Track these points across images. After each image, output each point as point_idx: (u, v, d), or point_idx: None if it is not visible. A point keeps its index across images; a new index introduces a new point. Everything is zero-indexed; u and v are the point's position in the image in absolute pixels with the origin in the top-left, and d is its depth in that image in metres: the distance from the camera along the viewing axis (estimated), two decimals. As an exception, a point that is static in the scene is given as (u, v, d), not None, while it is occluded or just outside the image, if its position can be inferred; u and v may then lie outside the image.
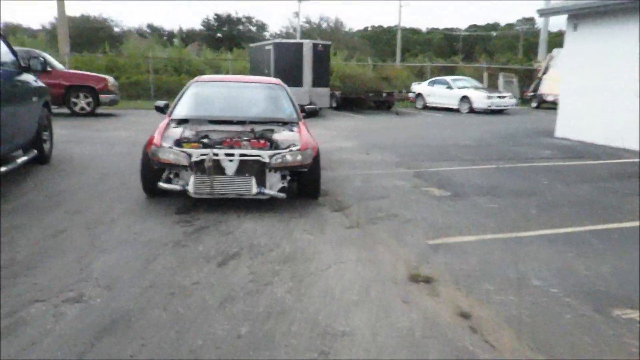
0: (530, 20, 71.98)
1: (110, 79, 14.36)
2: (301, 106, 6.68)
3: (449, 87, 20.32)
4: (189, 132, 5.40)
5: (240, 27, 68.04)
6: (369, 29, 77.78)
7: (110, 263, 3.66)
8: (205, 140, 5.20)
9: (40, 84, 7.18)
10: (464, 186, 6.43)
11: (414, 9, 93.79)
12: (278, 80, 7.17)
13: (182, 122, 5.69)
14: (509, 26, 69.33)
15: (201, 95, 6.40)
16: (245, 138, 5.30)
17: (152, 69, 21.55)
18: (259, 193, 4.90)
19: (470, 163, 8.16)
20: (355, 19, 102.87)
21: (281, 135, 5.45)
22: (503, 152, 9.36)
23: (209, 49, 30.00)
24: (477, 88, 20.21)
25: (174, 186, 4.98)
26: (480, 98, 19.18)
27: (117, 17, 73.30)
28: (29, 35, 32.51)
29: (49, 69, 13.07)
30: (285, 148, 5.10)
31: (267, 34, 60.04)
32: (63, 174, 6.54)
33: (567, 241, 4.44)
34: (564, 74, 11.92)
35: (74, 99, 13.67)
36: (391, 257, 3.96)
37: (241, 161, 4.88)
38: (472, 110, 19.30)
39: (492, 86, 24.52)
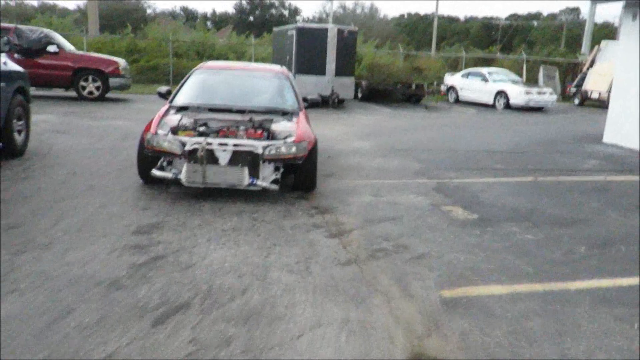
0: (575, 11, 68.71)
1: (122, 62, 13.60)
2: (308, 98, 6.65)
3: (484, 80, 18.92)
4: (186, 120, 5.38)
5: (273, 11, 67.13)
6: (405, 16, 75.75)
7: (5, 313, 2.76)
8: (201, 129, 5.17)
9: (13, 67, 6.33)
10: (494, 207, 5.34)
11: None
12: (283, 69, 7.06)
13: (181, 109, 5.69)
14: (552, 16, 66.40)
15: (203, 83, 6.35)
16: (243, 127, 5.27)
17: (172, 52, 20.75)
18: (251, 184, 4.85)
19: (503, 174, 7.02)
20: (392, 6, 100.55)
21: (279, 125, 5.39)
22: (542, 161, 8.15)
23: (235, 33, 29.04)
24: (515, 82, 18.75)
25: (167, 174, 4.93)
26: (518, 93, 17.74)
27: (150, -1, 73.09)
28: (58, 15, 32.26)
29: (53, 49, 12.50)
30: (282, 139, 5.07)
31: (299, 19, 58.94)
32: (28, 171, 5.71)
33: (629, 300, 3.34)
34: (617, 70, 10.52)
35: (82, 83, 12.97)
36: (390, 319, 2.95)
37: (234, 151, 4.84)
38: (508, 107, 17.90)
39: (532, 80, 22.92)
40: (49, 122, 9.17)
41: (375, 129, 11.17)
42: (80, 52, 13.44)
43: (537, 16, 68.18)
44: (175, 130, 5.10)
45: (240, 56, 22.57)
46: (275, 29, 18.02)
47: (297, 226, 4.43)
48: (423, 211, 5.07)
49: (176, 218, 4.45)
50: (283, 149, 4.95)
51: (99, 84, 13.04)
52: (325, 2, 57.91)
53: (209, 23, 62.29)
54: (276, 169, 5.10)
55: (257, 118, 5.55)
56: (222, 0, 75.56)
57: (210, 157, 4.80)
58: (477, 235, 4.43)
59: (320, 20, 54.56)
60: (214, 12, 69.76)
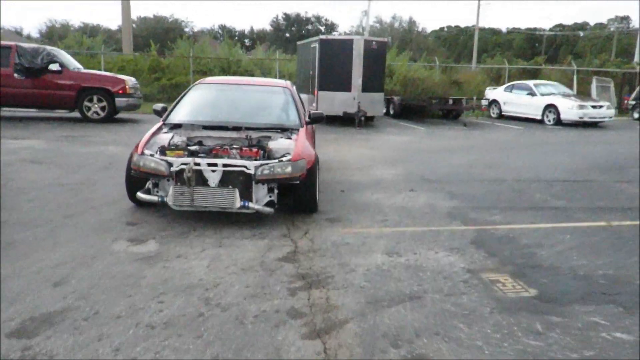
0: (625, 19, 65.17)
1: (130, 80, 12.61)
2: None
3: (531, 94, 17.09)
4: (178, 138, 5.20)
5: (309, 27, 66.56)
6: (445, 29, 73.81)
7: None
8: (192, 148, 4.91)
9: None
10: (559, 275, 3.76)
11: (495, 9, 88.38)
12: (286, 83, 6.84)
13: (175, 127, 5.48)
14: (600, 26, 63.26)
15: (200, 99, 6.16)
16: (236, 146, 5.04)
17: (195, 69, 19.87)
18: (243, 207, 4.52)
19: (565, 216, 5.40)
20: (431, 20, 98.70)
21: (277, 143, 5.14)
22: (612, 195, 6.46)
23: (270, 49, 28.11)
24: (565, 95, 16.84)
25: (152, 197, 4.68)
26: (569, 107, 15.85)
27: (188, 17, 74.06)
28: (90, 34, 32.23)
29: (56, 68, 11.60)
30: (279, 157, 4.81)
31: (335, 34, 57.98)
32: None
33: None
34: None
35: (87, 103, 12.02)
36: None
37: (225, 172, 4.55)
38: (558, 122, 16.00)
39: (583, 93, 20.86)
40: (31, 149, 8.10)
41: (404, 151, 9.65)
42: (86, 71, 12.55)
43: (583, 26, 65.02)
44: (163, 150, 4.79)
45: (266, 72, 21.51)
46: (299, 42, 16.82)
47: (264, 315, 3.00)
48: (455, 283, 3.55)
49: (89, 303, 3.11)
50: (277, 169, 4.61)
51: (104, 104, 12.06)
52: (362, 16, 56.83)
53: (246, 40, 62.33)
54: (270, 190, 4.72)
55: (254, 135, 5.29)
56: (262, 4, 75.58)
57: (199, 178, 4.49)
58: (539, 335, 2.88)
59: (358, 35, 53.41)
60: (251, 29, 69.78)
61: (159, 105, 5.99)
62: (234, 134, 5.34)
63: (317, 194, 5.17)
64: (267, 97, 6.32)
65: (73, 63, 12.67)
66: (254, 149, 4.94)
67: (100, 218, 4.73)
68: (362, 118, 13.35)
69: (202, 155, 4.74)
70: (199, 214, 4.99)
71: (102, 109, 12.08)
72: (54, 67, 11.67)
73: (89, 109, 12.04)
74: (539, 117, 16.63)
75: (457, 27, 71.30)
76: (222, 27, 67.71)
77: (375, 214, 5.26)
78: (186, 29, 58.45)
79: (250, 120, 5.55)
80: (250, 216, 4.95)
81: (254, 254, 3.99)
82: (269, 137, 5.32)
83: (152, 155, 4.70)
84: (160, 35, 45.74)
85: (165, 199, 4.58)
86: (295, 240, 4.34)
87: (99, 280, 3.40)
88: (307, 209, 5.14)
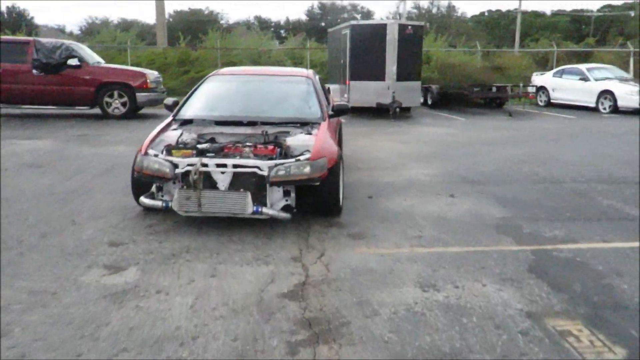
0: (682, -3, 61.24)
1: (151, 74, 12.03)
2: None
3: (584, 79, 15.63)
4: (188, 136, 4.76)
5: (345, 15, 65.28)
6: (486, 13, 71.11)
7: None
8: (202, 146, 4.45)
9: None
10: (653, 322, 2.81)
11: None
12: (308, 72, 6.25)
13: (186, 123, 5.04)
14: (653, 4, 59.58)
15: (214, 92, 5.70)
16: (250, 143, 4.53)
17: (225, 61, 19.27)
18: (256, 212, 4.04)
19: (643, 229, 4.38)
20: (471, 5, 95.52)
21: (295, 139, 4.64)
22: (698, 198, 5.36)
23: (291, 38, 27.27)
24: (623, 80, 15.32)
25: (156, 202, 4.26)
26: (628, 93, 14.36)
27: (223, 10, 73.94)
28: (122, 28, 32.20)
29: (74, 63, 11.11)
30: (298, 155, 4.31)
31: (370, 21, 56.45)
32: None
33: None
34: None
35: (107, 99, 11.51)
36: None
37: (236, 173, 4.11)
38: (615, 110, 14.55)
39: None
40: (36, 151, 7.57)
41: (442, 146, 8.66)
42: (106, 65, 12.03)
43: (634, 6, 61.17)
44: (169, 150, 4.34)
45: (298, 62, 20.65)
46: (330, 30, 15.91)
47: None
48: (512, 335, 2.66)
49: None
50: (294, 169, 4.10)
51: (125, 99, 11.52)
52: (399, 2, 55.16)
53: (282, 31, 61.70)
54: (286, 193, 4.25)
55: (271, 131, 4.78)
56: (296, 0, 74.54)
57: (207, 181, 4.07)
58: None
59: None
60: (287, 19, 69.05)
61: (170, 100, 5.62)
62: (249, 130, 4.86)
63: (340, 195, 4.64)
64: (287, 88, 5.81)
65: (93, 57, 12.19)
66: (270, 147, 4.42)
67: (80, 237, 4.04)
68: (397, 109, 12.37)
69: (210, 154, 4.28)
70: (198, 226, 4.25)
71: (123, 104, 11.55)
72: (72, 62, 11.20)
73: (109, 105, 11.53)
74: (592, 105, 15.19)
75: (498, 11, 68.55)
76: (258, 19, 67.28)
77: (407, 228, 4.38)
78: (221, 21, 58.31)
79: (266, 114, 5.12)
80: (256, 232, 4.17)
81: (252, 286, 3.20)
82: (287, 133, 4.81)
83: (156, 155, 4.27)
84: (196, 28, 45.53)
85: (170, 204, 4.13)
86: (306, 266, 3.53)
87: (50, 328, 2.68)
88: (330, 213, 4.62)
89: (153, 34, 33.19)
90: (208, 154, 4.28)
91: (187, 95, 5.65)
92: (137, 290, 3.13)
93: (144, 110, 12.78)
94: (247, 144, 4.52)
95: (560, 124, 12.47)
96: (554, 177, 6.31)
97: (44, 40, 11.51)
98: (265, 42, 22.36)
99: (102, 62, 12.27)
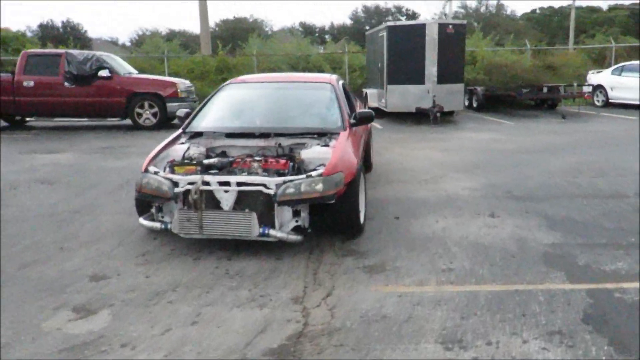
0: None
1: (182, 84, 11.79)
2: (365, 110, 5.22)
3: (646, 76, 14.32)
4: (195, 150, 4.45)
5: (389, 18, 64.36)
6: (537, 11, 68.47)
7: None
8: (208, 161, 4.15)
9: None
10: None
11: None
12: (330, 78, 5.70)
13: (196, 135, 4.72)
14: None
15: (228, 101, 5.34)
16: (259, 158, 4.14)
17: (259, 68, 18.99)
18: (263, 235, 3.63)
19: None
20: (521, 3, 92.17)
21: (311, 151, 4.23)
22: None
23: (330, 42, 26.70)
24: (691, 76, 13.92)
25: (154, 224, 3.93)
26: (698, 90, 13.00)
27: (267, 16, 74.44)
28: (167, 38, 32.62)
29: (105, 74, 10.99)
30: (311, 170, 3.92)
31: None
32: None
33: None
34: None
35: (137, 110, 11.33)
36: None
37: (241, 192, 3.70)
38: (683, 109, 13.20)
39: None
40: (54, 165, 7.35)
41: (486, 154, 7.87)
42: (137, 76, 11.87)
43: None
44: (172, 166, 4.05)
45: (337, 67, 20.12)
46: (367, 32, 15.28)
47: None
48: (561, 423, 1.98)
49: None
50: (305, 187, 3.68)
51: (155, 109, 11.30)
52: (445, 2, 53.78)
53: (327, 36, 61.40)
54: (296, 213, 3.79)
55: (286, 143, 4.42)
56: (340, 0, 74.10)
57: (211, 200, 3.73)
58: None
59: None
60: (332, 25, 68.76)
61: (182, 111, 5.30)
62: (262, 142, 4.51)
63: (361, 214, 4.18)
64: (306, 95, 5.40)
65: (125, 68, 12.06)
66: (282, 161, 4.07)
67: (62, 268, 3.61)
68: (438, 114, 11.58)
69: (214, 171, 3.95)
70: (196, 254, 3.78)
71: (154, 115, 11.34)
72: (103, 73, 11.09)
73: (140, 115, 11.35)
74: (656, 104, 13.87)
75: (550, 7, 65.80)
76: (302, 24, 67.30)
77: (436, 257, 3.73)
78: (265, 28, 58.64)
79: (281, 125, 4.72)
80: (260, 261, 3.64)
81: (237, 338, 2.66)
82: (303, 145, 4.42)
83: (156, 172, 3.96)
84: (241, 35, 45.89)
85: (169, 226, 3.84)
86: (307, 310, 2.95)
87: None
88: (349, 233, 4.17)
89: (199, 44, 33.57)
90: (211, 171, 3.96)
91: (200, 105, 5.31)
92: (100, 342, 2.63)
93: (176, 121, 12.54)
94: (256, 158, 4.17)
95: (620, 126, 11.33)
96: (615, 191, 5.46)
97: (75, 52, 11.48)
98: (304, 47, 21.88)
99: (134, 73, 12.13)
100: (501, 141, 9.24)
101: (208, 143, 4.59)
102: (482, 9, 61.96)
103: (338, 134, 4.53)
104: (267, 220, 3.69)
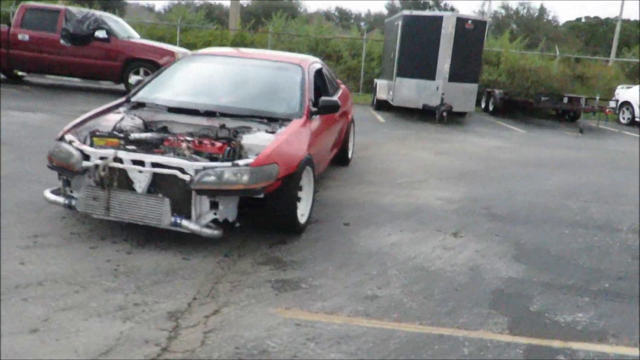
0: None
1: (180, 53, 11.25)
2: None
3: (680, 97, 13.33)
4: (130, 122, 3.98)
5: (427, 10, 62.71)
6: (582, 20, 66.08)
7: None
8: (137, 136, 3.70)
9: None
10: None
11: (644, -4, 77.45)
12: (302, 59, 5.14)
13: (138, 106, 4.26)
14: None
15: (185, 73, 4.88)
16: (191, 138, 3.67)
17: (270, 46, 18.45)
18: (175, 225, 3.24)
19: None
20: (567, 10, 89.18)
21: (253, 137, 3.76)
22: None
23: (354, 28, 25.86)
24: None
25: (58, 198, 3.51)
26: None
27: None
28: (193, 10, 32.17)
29: (102, 35, 10.58)
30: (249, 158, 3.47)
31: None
32: None
33: None
34: None
35: (133, 75, 10.87)
36: None
37: (155, 174, 3.28)
38: None
39: None
40: (21, 125, 6.97)
41: (483, 162, 7.21)
42: (135, 40, 11.38)
43: None
44: (92, 136, 3.66)
45: (356, 54, 19.40)
46: (387, 19, 14.55)
47: None
48: None
49: None
50: (227, 176, 3.24)
51: (151, 77, 10.83)
52: (484, 1, 52.13)
53: (362, 24, 60.32)
54: (214, 204, 3.32)
55: (231, 125, 4.00)
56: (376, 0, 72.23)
57: (124, 180, 3.32)
58: None
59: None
60: (368, 12, 67.50)
61: (135, 79, 5.30)
62: (205, 121, 4.11)
63: (299, 214, 3.74)
64: (269, 75, 4.88)
65: (127, 32, 11.60)
66: (218, 144, 3.62)
67: None
68: (444, 113, 10.87)
69: (132, 148, 3.49)
70: (96, 242, 3.28)
71: (149, 83, 10.87)
72: (100, 34, 10.64)
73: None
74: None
75: (596, 17, 63.37)
76: (339, 9, 66.15)
77: (367, 279, 3.17)
78: (300, 9, 57.78)
79: (230, 105, 4.26)
80: (164, 259, 3.14)
81: (72, 357, 2.15)
82: (249, 129, 3.99)
83: (71, 142, 3.53)
84: (271, 14, 45.24)
85: (74, 202, 3.45)
86: (178, 330, 2.44)
87: None
88: (283, 234, 3.76)
89: (207, 14, 32.88)
90: (128, 147, 3.50)
91: (154, 74, 4.87)
92: None
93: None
94: (188, 138, 3.70)
95: (641, 147, 10.48)
96: (607, 222, 4.79)
97: (75, 10, 11.03)
98: (325, 31, 21.18)
99: (135, 37, 11.65)
100: (505, 150, 8.54)
101: (149, 116, 4.19)
102: (524, 11, 59.98)
103: (290, 120, 4.05)
104: (183, 209, 3.30)
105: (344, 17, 64.09)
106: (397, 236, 3.98)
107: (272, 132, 3.88)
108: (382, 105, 12.85)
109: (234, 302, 2.76)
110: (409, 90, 11.30)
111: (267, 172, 3.34)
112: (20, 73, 11.75)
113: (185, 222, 3.24)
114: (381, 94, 12.74)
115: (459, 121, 11.96)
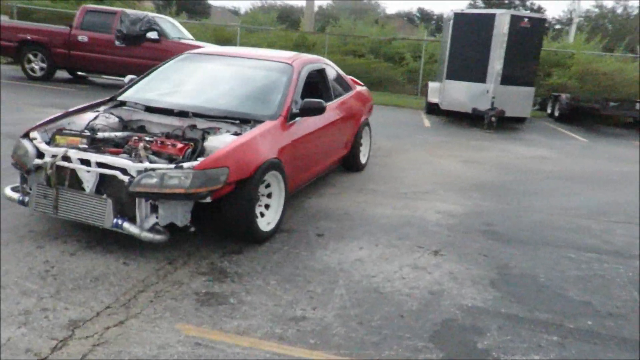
0: None
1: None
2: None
3: None
4: (104, 120, 4.00)
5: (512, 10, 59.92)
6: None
7: None
8: (103, 135, 3.69)
9: None
10: None
11: None
12: (297, 59, 4.86)
13: (120, 105, 4.30)
14: None
15: (172, 73, 4.83)
16: (149, 138, 3.60)
17: (327, 47, 18.33)
18: (116, 226, 3.19)
19: None
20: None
21: (217, 139, 3.64)
22: None
23: (421, 28, 25.06)
24: None
25: (13, 194, 3.54)
26: None
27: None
28: (264, 12, 32.78)
29: (153, 36, 10.94)
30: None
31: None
32: None
33: None
34: None
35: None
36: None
37: (102, 174, 3.26)
38: None
39: None
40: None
41: (511, 174, 6.63)
42: (184, 41, 11.64)
43: None
44: (55, 134, 3.63)
45: (419, 55, 18.82)
46: (444, 19, 13.93)
47: None
48: None
49: None
50: (169, 179, 3.13)
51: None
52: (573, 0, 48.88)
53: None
54: (154, 208, 3.21)
55: (202, 126, 3.91)
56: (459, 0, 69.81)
57: (75, 180, 3.32)
58: None
59: (560, 22, 46.01)
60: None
61: (128, 77, 4.95)
62: (177, 121, 4.02)
63: (255, 219, 3.55)
64: (254, 75, 4.73)
65: (179, 33, 11.94)
66: (180, 145, 3.51)
67: None
68: (493, 118, 10.20)
69: (82, 147, 3.46)
70: (49, 241, 3.29)
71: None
72: (151, 35, 11.03)
73: (182, 82, 11.17)
74: None
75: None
76: (420, 10, 64.83)
77: (306, 297, 2.93)
78: (378, 10, 57.32)
79: (204, 105, 4.17)
80: (102, 262, 3.07)
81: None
82: (218, 130, 3.90)
83: (33, 139, 3.60)
84: (355, 16, 45.19)
85: (26, 200, 3.47)
86: (67, 341, 2.36)
87: None
88: (242, 239, 3.63)
89: (279, 16, 33.35)
90: (79, 147, 3.47)
91: (145, 73, 4.88)
92: None
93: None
94: (147, 138, 3.64)
95: None
96: (626, 247, 4.18)
97: (130, 11, 11.50)
98: (387, 32, 20.74)
99: (185, 38, 11.95)
100: (549, 160, 7.84)
101: (128, 115, 4.19)
102: (619, 10, 55.69)
103: (262, 122, 3.91)
104: (129, 211, 3.23)
105: (425, 18, 62.56)
106: (367, 251, 3.68)
107: (237, 134, 3.74)
108: (434, 109, 12.30)
109: (146, 314, 2.63)
110: (458, 93, 10.74)
111: (213, 175, 3.22)
112: (79, 73, 12.44)
113: (126, 225, 3.18)
114: (432, 97, 12.21)
115: (514, 127, 11.19)
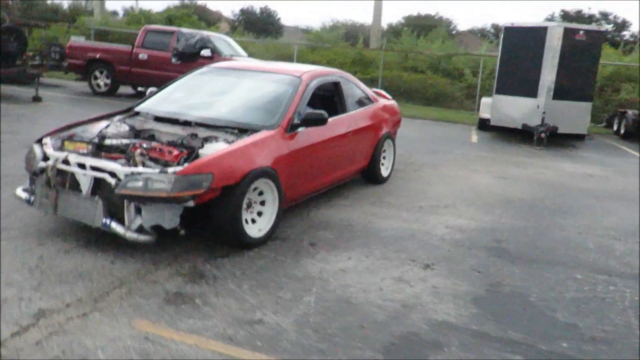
0: None
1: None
2: None
3: None
4: (115, 129, 4.28)
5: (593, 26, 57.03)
6: None
7: None
8: (110, 142, 3.92)
9: None
10: None
11: None
12: (305, 72, 4.90)
13: (135, 115, 4.58)
14: None
15: (189, 85, 5.06)
16: (147, 145, 3.81)
17: (382, 63, 18.21)
18: (104, 226, 3.38)
19: None
20: None
21: (211, 147, 3.81)
22: None
23: (484, 43, 24.36)
24: None
25: (22, 195, 3.86)
26: None
27: (453, 16, 71.93)
28: (329, 30, 33.28)
29: (207, 54, 11.46)
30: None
31: (625, 35, 47.93)
32: None
33: None
34: None
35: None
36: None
37: (96, 178, 3.49)
38: None
39: None
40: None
41: (545, 191, 6.28)
42: (235, 58, 12.07)
43: None
44: (64, 140, 3.89)
45: (475, 71, 18.34)
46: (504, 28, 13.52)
47: None
48: None
49: None
50: (153, 183, 3.31)
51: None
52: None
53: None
54: (138, 210, 3.38)
55: (202, 134, 4.07)
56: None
57: (74, 182, 3.57)
58: None
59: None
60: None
61: (150, 89, 5.26)
62: (181, 130, 4.22)
63: (242, 225, 3.64)
64: (263, 87, 4.88)
65: (233, 50, 12.42)
66: (175, 152, 3.69)
67: None
68: (544, 134, 9.72)
69: (83, 152, 3.71)
70: (51, 238, 3.54)
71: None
72: (205, 52, 11.55)
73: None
74: None
75: None
76: (494, 26, 63.35)
77: (270, 304, 2.95)
78: (450, 27, 56.52)
79: (207, 115, 4.38)
80: (90, 261, 3.26)
81: None
82: (216, 138, 4.04)
83: (44, 144, 3.89)
84: (425, 31, 44.94)
85: (32, 200, 3.74)
86: (21, 332, 2.51)
87: None
88: (229, 244, 3.72)
89: (346, 34, 33.64)
90: (81, 152, 3.73)
91: (164, 85, 5.19)
92: None
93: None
94: (145, 145, 3.84)
95: None
96: (629, 272, 3.85)
97: (186, 31, 12.13)
98: (447, 48, 20.41)
99: (238, 55, 12.40)
100: (594, 179, 7.36)
101: (140, 124, 4.44)
102: None
103: (259, 131, 4.03)
104: (119, 212, 3.41)
105: (497, 34, 60.89)
106: (355, 262, 3.64)
107: (230, 142, 3.87)
108: (486, 125, 11.93)
109: (110, 309, 2.75)
110: (508, 109, 10.37)
111: (196, 180, 3.35)
112: (139, 88, 13.24)
113: (113, 225, 3.36)
114: (484, 113, 11.85)
115: (571, 144, 10.61)
